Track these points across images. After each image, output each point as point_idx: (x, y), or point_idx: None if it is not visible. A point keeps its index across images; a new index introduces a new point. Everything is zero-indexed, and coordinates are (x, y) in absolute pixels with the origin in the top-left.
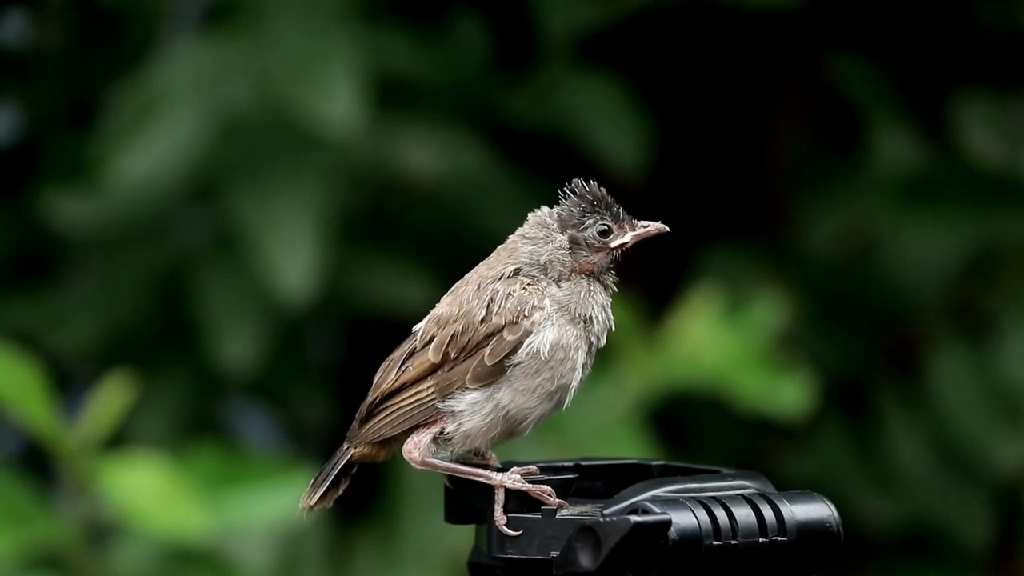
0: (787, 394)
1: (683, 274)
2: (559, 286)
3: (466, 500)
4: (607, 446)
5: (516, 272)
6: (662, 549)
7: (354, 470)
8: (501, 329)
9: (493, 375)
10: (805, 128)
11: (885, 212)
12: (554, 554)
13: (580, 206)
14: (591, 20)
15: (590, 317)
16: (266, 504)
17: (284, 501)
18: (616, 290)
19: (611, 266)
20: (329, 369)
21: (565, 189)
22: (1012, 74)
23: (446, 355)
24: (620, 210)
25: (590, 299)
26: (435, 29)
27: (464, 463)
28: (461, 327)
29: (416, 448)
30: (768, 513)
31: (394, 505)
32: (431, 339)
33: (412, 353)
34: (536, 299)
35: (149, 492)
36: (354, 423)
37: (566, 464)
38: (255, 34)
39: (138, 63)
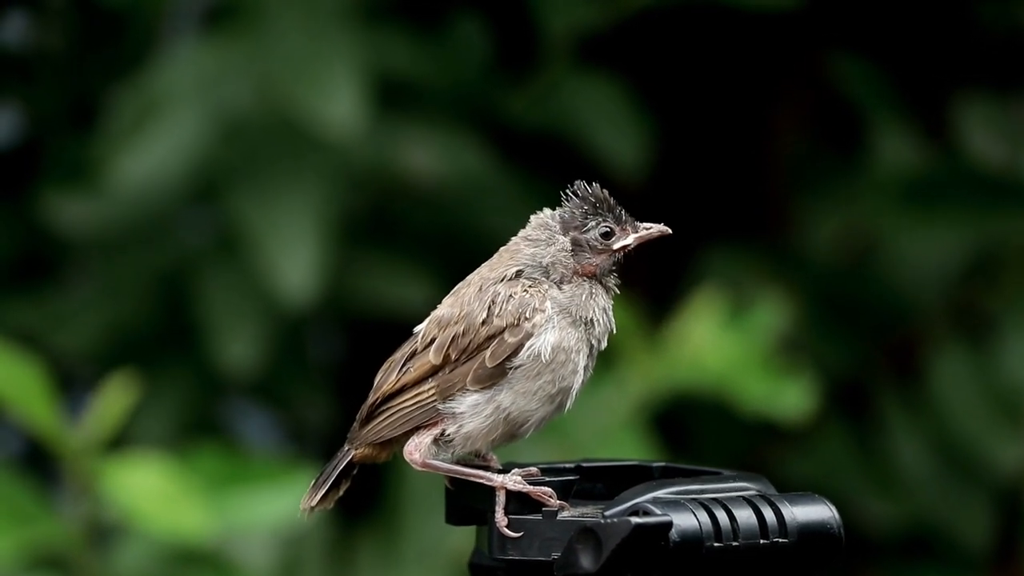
0: (790, 397)
1: (684, 275)
2: (561, 288)
3: (467, 501)
4: (608, 448)
5: (518, 274)
6: (663, 551)
7: (355, 471)
8: (502, 331)
9: (494, 377)
10: (805, 129)
11: (886, 213)
12: (555, 556)
13: (582, 208)
14: (592, 21)
15: (591, 320)
16: (268, 505)
17: (286, 502)
18: (618, 292)
19: (613, 268)
20: (330, 370)
21: (567, 191)
22: (1013, 75)
23: (447, 357)
24: (622, 212)
25: (591, 302)
26: (436, 30)
27: (465, 464)
28: (462, 329)
29: (417, 449)
30: (769, 514)
31: (395, 506)
32: (432, 341)
33: (413, 354)
34: (537, 301)
35: (151, 493)
36: (355, 424)
37: (567, 466)
38: (256, 35)
39: (139, 64)
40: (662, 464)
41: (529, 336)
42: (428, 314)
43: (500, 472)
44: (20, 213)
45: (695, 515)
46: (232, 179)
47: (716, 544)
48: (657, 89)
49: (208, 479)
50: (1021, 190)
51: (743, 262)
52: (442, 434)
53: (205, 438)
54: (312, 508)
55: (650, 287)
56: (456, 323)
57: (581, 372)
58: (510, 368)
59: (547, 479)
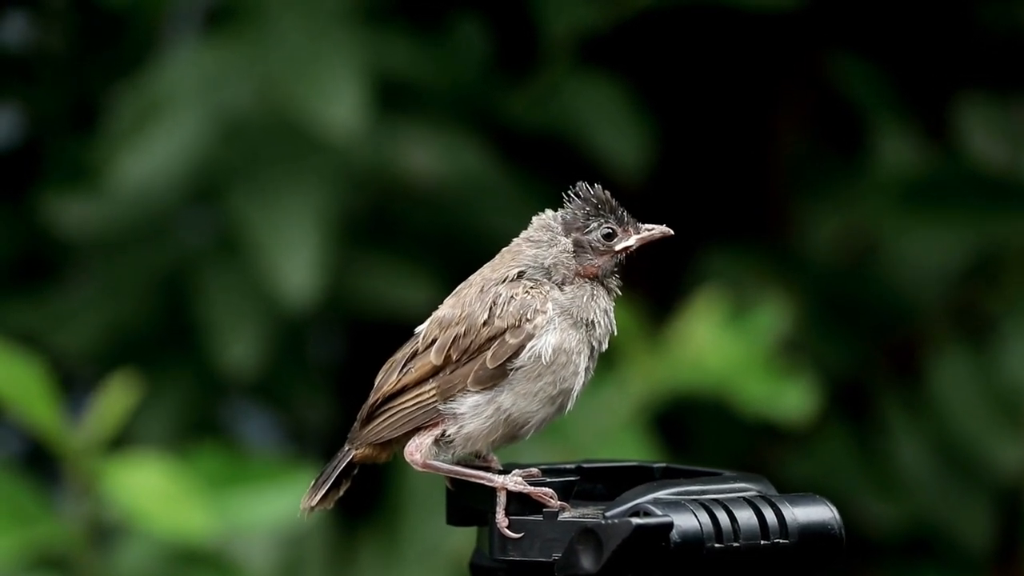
0: (790, 398)
1: (684, 276)
2: (562, 290)
3: (468, 502)
4: (609, 449)
5: (519, 275)
6: (664, 552)
7: (355, 471)
8: (503, 332)
9: (495, 378)
10: (806, 129)
11: (886, 214)
12: (556, 556)
13: (584, 209)
14: (592, 22)
15: (592, 321)
16: (269, 505)
17: (286, 502)
18: (619, 294)
19: (615, 270)
20: (330, 371)
21: (569, 192)
22: (1014, 76)
23: (448, 357)
24: (624, 213)
25: (593, 303)
26: (436, 31)
27: (466, 465)
28: (463, 329)
29: (418, 450)
30: (770, 515)
31: (396, 507)
32: (433, 341)
33: (414, 355)
34: (539, 303)
35: (152, 493)
36: (355, 424)
37: (568, 466)
38: (257, 36)
39: (140, 65)
40: (663, 465)
41: (530, 337)
42: (429, 315)
43: (501, 473)
44: (21, 214)
45: (696, 516)
46: (233, 180)
47: (717, 545)
48: (658, 90)
49: (209, 479)
50: (1022, 191)
51: (744, 263)
52: (443, 435)
53: (206, 438)
54: (312, 508)
55: (651, 288)
56: (457, 324)
57: (582, 374)
58: (511, 369)
59: (548, 480)
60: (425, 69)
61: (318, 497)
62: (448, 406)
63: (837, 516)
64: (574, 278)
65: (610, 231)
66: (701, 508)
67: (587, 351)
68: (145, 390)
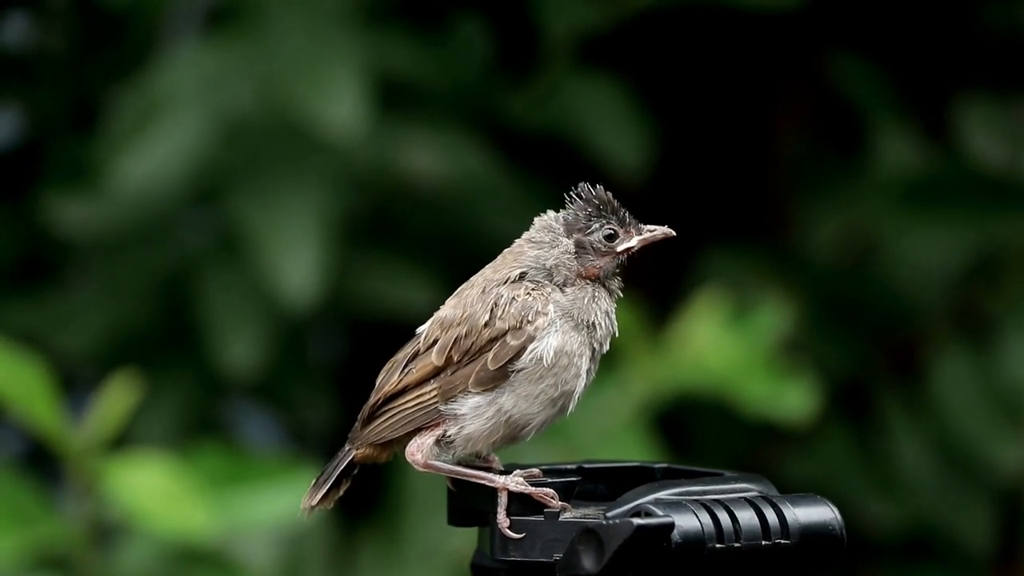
0: (792, 399)
1: (685, 277)
2: (564, 291)
3: (469, 503)
4: (610, 449)
5: (521, 276)
6: (665, 552)
7: (356, 471)
8: (504, 334)
9: (496, 380)
10: (806, 129)
11: (887, 214)
12: (557, 557)
13: (586, 210)
14: (593, 22)
15: (593, 323)
16: (270, 504)
17: (287, 501)
18: (621, 295)
19: (617, 271)
20: (331, 371)
21: (571, 193)
22: (1014, 76)
23: (449, 358)
24: (626, 214)
25: (594, 305)
26: (437, 32)
27: (467, 466)
28: (465, 330)
29: (419, 450)
30: (771, 516)
31: (397, 507)
32: (435, 342)
33: (415, 355)
34: (540, 304)
35: (153, 492)
36: (356, 425)
37: (569, 467)
38: (258, 37)
39: (140, 66)
40: (664, 465)
41: (532, 339)
42: (430, 315)
43: (502, 473)
44: (21, 214)
45: (697, 516)
46: (233, 180)
47: (718, 545)
48: (658, 90)
49: (210, 479)
50: (1022, 191)
51: (744, 263)
52: (443, 435)
53: (207, 438)
54: (312, 508)
55: (651, 288)
56: (459, 325)
57: (583, 376)
58: (512, 371)
59: (549, 480)
60: (426, 69)
61: (318, 497)
62: (449, 407)
63: (838, 516)
64: (576, 279)
65: (612, 232)
66: (702, 508)
67: (588, 353)
68: (146, 390)
